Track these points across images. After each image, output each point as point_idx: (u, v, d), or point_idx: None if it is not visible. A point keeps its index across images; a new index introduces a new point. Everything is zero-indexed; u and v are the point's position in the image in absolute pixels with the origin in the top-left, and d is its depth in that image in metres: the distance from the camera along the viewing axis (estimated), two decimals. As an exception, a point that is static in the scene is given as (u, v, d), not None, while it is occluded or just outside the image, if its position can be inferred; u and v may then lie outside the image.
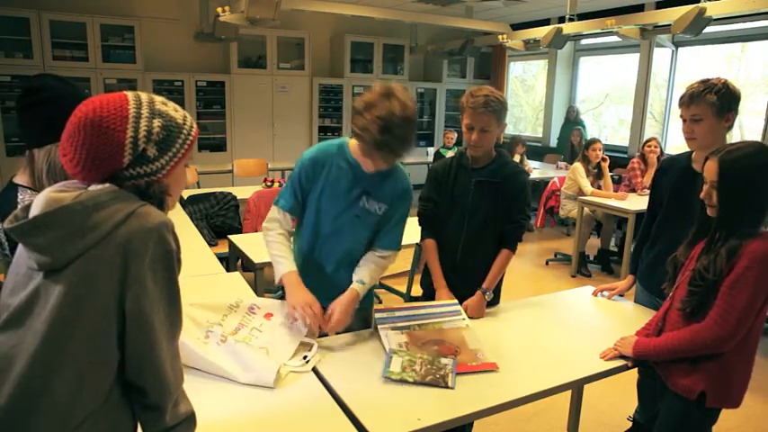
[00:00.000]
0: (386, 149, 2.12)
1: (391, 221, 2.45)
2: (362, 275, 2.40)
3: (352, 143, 2.35)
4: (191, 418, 1.47)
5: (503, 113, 2.61)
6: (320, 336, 2.28)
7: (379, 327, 2.36)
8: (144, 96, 1.39)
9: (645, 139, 6.93)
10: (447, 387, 2.01)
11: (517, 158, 8.38)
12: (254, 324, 2.26)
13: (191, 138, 1.44)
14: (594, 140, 6.71)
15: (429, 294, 2.78)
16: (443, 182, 2.78)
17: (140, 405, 1.38)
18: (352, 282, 2.39)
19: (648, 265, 2.91)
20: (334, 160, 2.37)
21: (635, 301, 2.98)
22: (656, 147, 6.54)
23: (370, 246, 2.48)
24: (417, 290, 3.19)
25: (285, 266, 2.34)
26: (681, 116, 2.66)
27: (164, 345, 1.34)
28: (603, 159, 6.66)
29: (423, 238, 2.83)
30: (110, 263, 1.26)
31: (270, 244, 2.41)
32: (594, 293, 3.02)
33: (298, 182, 2.40)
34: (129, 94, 1.37)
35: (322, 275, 2.45)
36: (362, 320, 2.55)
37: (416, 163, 9.93)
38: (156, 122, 1.37)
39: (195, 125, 1.48)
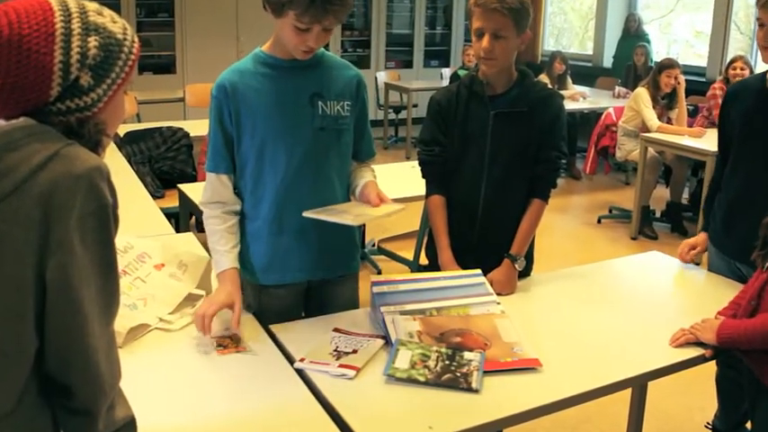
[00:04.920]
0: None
1: (366, 121, 2.53)
2: (370, 176, 2.52)
3: (268, 44, 2.39)
4: (130, 425, 1.47)
5: (523, 18, 2.55)
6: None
7: (382, 309, 2.34)
8: (72, 3, 1.36)
9: (730, 59, 6.85)
10: (470, 390, 1.99)
11: (546, 80, 8.35)
12: (139, 273, 2.41)
13: (132, 57, 1.43)
14: (672, 64, 6.62)
15: (436, 267, 2.78)
16: (450, 117, 2.73)
17: (65, 409, 1.37)
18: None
19: (723, 221, 2.90)
20: (255, 73, 2.37)
21: (708, 269, 2.99)
22: (743, 68, 6.47)
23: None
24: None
25: (226, 262, 2.37)
26: (758, 19, 2.64)
27: (95, 328, 1.33)
28: (678, 82, 6.59)
29: (428, 193, 2.81)
30: (25, 220, 1.24)
31: (211, 234, 2.43)
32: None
33: (218, 126, 2.38)
34: (53, 1, 1.34)
35: (310, 241, 2.44)
36: (348, 297, 2.59)
37: (428, 89, 9.83)
38: (92, 41, 1.35)
39: (137, 39, 1.46)
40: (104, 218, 1.31)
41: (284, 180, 2.37)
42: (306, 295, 2.58)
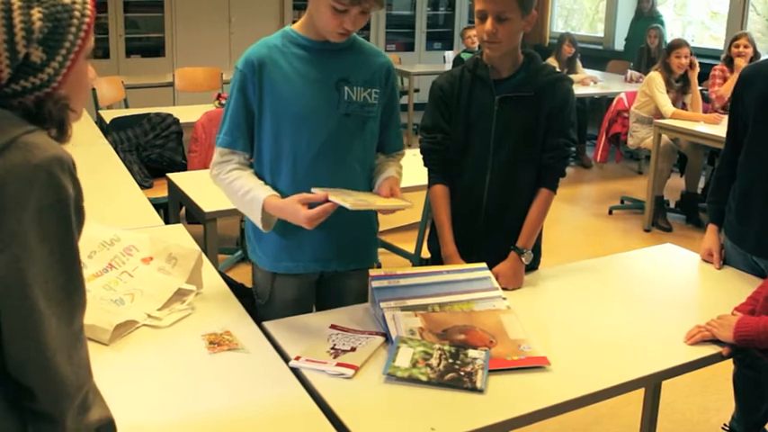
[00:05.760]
0: None
1: (394, 111, 2.59)
2: (393, 172, 2.54)
3: (299, 23, 2.42)
4: (108, 427, 1.45)
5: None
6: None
7: (382, 305, 2.34)
8: None
9: (733, 36, 6.86)
10: (474, 389, 1.99)
11: (554, 64, 8.33)
12: (126, 267, 2.43)
13: (86, 20, 1.39)
14: (680, 43, 6.63)
15: (438, 260, 2.78)
16: (453, 102, 2.73)
17: (30, 412, 1.35)
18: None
19: (738, 213, 2.90)
20: (282, 52, 2.39)
21: (725, 262, 2.98)
22: (746, 47, 6.47)
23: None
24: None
25: (261, 194, 2.33)
26: None
27: (52, 327, 1.30)
28: (691, 66, 6.59)
29: (430, 183, 2.80)
30: None
31: (228, 184, 2.40)
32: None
33: (242, 100, 2.38)
34: None
35: (326, 231, 2.41)
36: (361, 291, 2.58)
37: (430, 73, 9.81)
38: (36, 12, 1.31)
39: (89, 0, 1.42)
40: (64, 212, 1.29)
41: (303, 164, 2.40)
42: (317, 287, 2.60)
